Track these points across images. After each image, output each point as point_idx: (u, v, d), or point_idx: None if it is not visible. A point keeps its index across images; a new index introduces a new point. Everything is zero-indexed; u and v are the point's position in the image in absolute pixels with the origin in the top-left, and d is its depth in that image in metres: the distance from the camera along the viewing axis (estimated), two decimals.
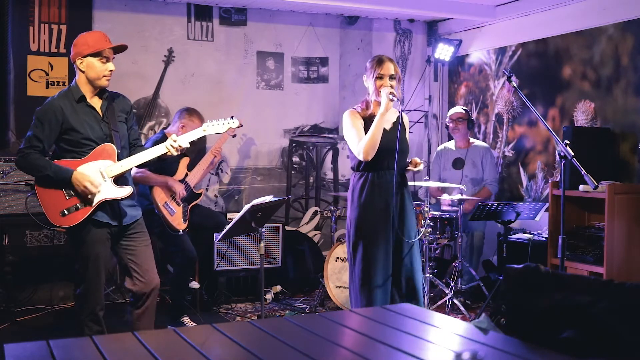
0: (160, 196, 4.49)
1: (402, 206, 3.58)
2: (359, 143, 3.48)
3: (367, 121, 3.56)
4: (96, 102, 3.35)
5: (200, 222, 4.95)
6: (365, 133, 3.49)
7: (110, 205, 3.32)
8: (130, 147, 3.47)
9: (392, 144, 3.49)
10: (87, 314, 3.36)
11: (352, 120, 3.57)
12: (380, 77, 3.52)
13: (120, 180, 3.35)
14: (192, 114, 4.71)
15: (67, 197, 3.25)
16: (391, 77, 3.53)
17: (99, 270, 3.32)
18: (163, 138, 4.22)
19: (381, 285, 3.48)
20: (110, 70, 3.29)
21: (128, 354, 1.70)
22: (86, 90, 3.31)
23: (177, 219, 4.55)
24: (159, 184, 4.51)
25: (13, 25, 5.11)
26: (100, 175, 3.27)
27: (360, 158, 3.48)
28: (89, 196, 3.24)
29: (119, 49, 3.36)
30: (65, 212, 3.24)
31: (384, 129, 3.52)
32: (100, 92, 3.35)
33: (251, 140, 5.98)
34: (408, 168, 3.62)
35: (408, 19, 6.51)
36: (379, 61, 3.57)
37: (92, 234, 3.29)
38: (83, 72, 3.28)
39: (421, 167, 3.62)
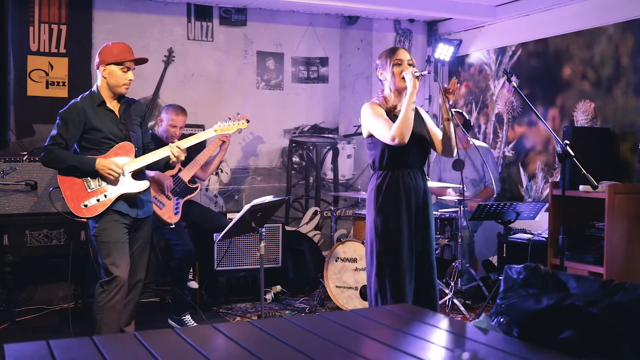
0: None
1: (426, 216, 3.43)
2: (390, 129, 3.28)
3: (388, 114, 3.41)
4: (114, 106, 3.60)
5: (201, 223, 4.96)
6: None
7: (129, 198, 3.55)
8: (143, 149, 3.71)
9: (415, 140, 3.36)
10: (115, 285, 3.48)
11: (374, 110, 3.40)
12: (398, 64, 3.37)
13: (138, 175, 3.60)
14: (178, 112, 4.75)
15: (88, 190, 3.48)
16: (409, 64, 3.38)
17: (122, 253, 3.50)
18: (152, 138, 4.27)
19: (408, 291, 3.33)
20: (130, 80, 3.55)
21: (128, 354, 1.70)
22: (106, 95, 3.56)
23: (167, 213, 4.57)
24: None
25: (13, 25, 5.10)
26: (123, 160, 3.50)
27: (395, 142, 3.25)
28: (114, 179, 3.46)
29: (140, 60, 3.60)
30: (87, 203, 3.47)
31: None
32: (119, 97, 3.61)
33: (251, 140, 5.98)
34: (445, 91, 3.29)
35: (408, 19, 6.50)
36: (393, 50, 3.44)
37: (113, 222, 3.50)
38: (105, 78, 3.53)
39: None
